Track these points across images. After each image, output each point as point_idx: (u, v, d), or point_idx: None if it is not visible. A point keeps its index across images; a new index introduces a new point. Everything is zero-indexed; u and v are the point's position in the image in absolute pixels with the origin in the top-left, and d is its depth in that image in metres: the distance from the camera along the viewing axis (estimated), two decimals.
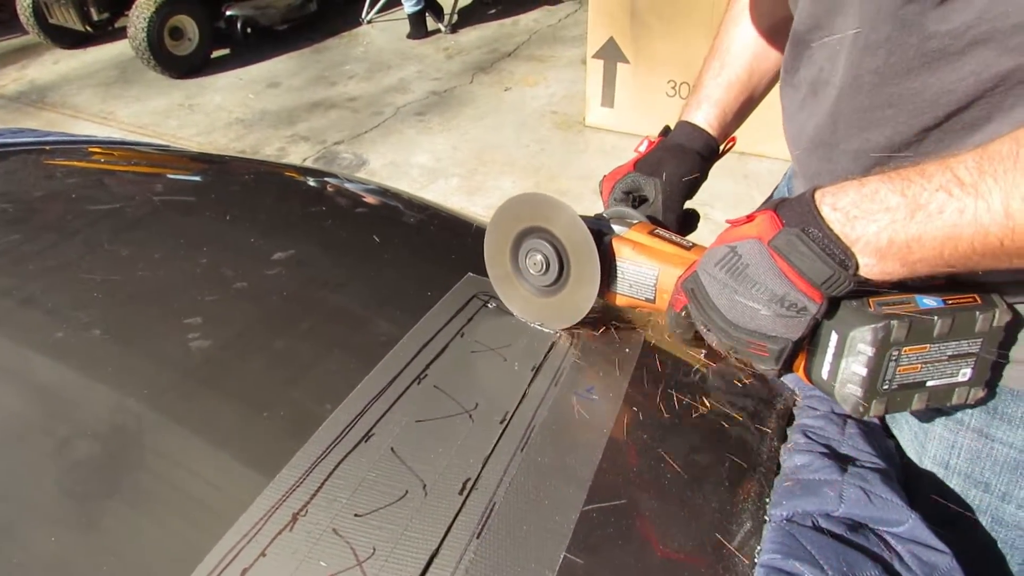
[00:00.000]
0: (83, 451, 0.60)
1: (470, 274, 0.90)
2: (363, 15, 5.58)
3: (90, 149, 1.33)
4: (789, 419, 0.78)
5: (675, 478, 0.65)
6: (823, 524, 0.62)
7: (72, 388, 0.68)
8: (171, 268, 0.85)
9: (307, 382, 0.69)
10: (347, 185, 1.32)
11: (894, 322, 0.58)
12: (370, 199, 1.24)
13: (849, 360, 0.60)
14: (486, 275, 0.84)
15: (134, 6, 4.52)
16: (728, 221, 0.66)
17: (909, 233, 0.54)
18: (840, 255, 0.56)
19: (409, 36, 5.28)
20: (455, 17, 5.44)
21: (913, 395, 0.62)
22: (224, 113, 4.39)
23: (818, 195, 0.58)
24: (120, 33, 5.08)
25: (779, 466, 0.70)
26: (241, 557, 0.51)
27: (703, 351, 0.81)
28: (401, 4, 5.26)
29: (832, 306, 0.60)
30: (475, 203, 3.37)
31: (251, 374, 0.70)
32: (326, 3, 5.43)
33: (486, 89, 4.55)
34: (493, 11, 5.69)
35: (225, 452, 0.62)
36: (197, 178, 1.20)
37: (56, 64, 5.15)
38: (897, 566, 0.61)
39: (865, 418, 0.65)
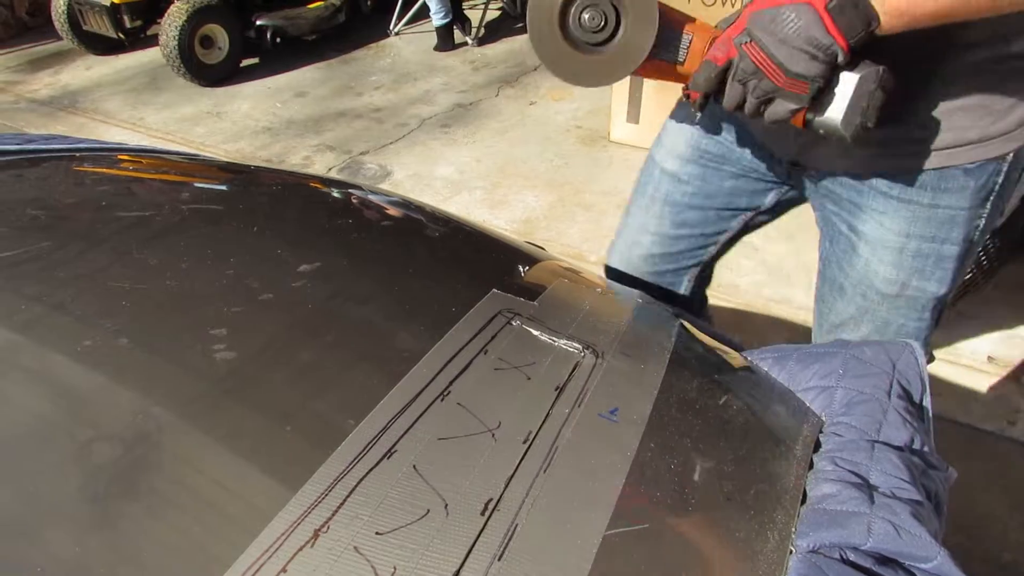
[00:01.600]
0: (106, 456, 0.60)
1: (495, 291, 0.90)
2: (391, 27, 5.62)
3: (119, 157, 1.35)
4: (816, 446, 0.77)
5: (699, 504, 0.64)
6: (851, 557, 0.61)
7: (98, 394, 0.68)
8: (198, 278, 0.85)
9: (330, 396, 0.69)
10: (372, 197, 1.32)
11: (881, 68, 0.81)
12: (395, 212, 1.24)
13: (859, 94, 0.81)
14: (511, 292, 0.83)
15: (166, 15, 4.58)
16: None
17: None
18: (870, 17, 0.77)
19: (436, 48, 5.31)
20: (482, 31, 5.47)
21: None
22: (251, 121, 4.43)
23: None
24: (152, 41, 5.16)
25: (805, 495, 0.69)
26: (262, 573, 0.51)
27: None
28: (429, 17, 5.29)
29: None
30: (497, 216, 3.37)
31: (275, 386, 0.70)
32: (355, 14, 5.48)
33: (511, 103, 4.56)
34: (520, 25, 5.71)
35: (247, 464, 0.62)
36: (224, 187, 1.21)
37: (88, 70, 5.23)
38: None
39: (858, 138, 0.85)
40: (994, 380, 2.36)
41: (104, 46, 5.34)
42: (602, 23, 0.84)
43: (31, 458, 0.60)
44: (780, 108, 0.84)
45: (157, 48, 4.76)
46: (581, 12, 0.84)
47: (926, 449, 0.81)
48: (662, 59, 0.88)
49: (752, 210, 1.28)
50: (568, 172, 3.74)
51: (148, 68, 5.18)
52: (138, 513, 0.56)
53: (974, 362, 2.41)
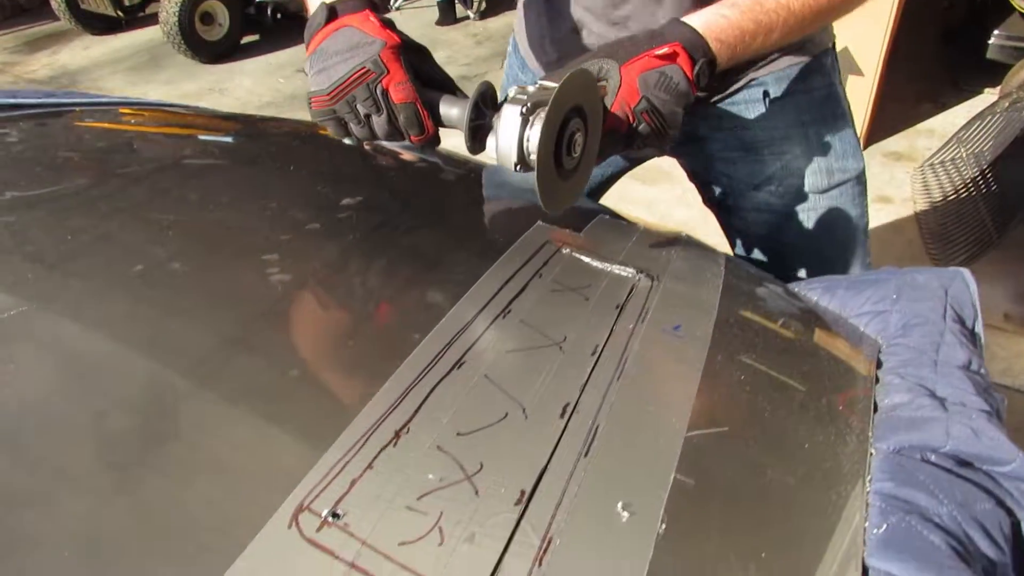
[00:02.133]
0: (186, 362, 0.59)
1: (540, 223, 0.89)
2: (392, 2, 5.57)
3: (141, 111, 1.33)
4: (878, 364, 0.76)
5: (773, 409, 0.63)
6: (932, 459, 0.60)
7: (162, 313, 0.67)
8: (241, 211, 0.84)
9: (390, 315, 0.68)
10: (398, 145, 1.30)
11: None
12: (430, 156, 1.23)
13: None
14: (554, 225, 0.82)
15: None
16: (648, 54, 0.82)
17: (751, 46, 0.87)
18: (714, 69, 0.84)
19: (438, 23, 5.27)
20: (483, 4, 5.42)
21: None
22: (255, 97, 4.40)
23: (704, 32, 0.83)
24: (149, 20, 5.12)
25: (876, 406, 0.68)
26: (348, 470, 0.50)
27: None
28: None
29: None
30: None
31: (331, 306, 0.69)
32: None
33: None
34: None
35: (317, 375, 0.61)
36: (252, 133, 1.19)
37: (87, 50, 5.18)
38: (1009, 502, 0.59)
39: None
40: (1011, 337, 2.36)
41: (102, 26, 5.29)
42: (582, 145, 0.77)
43: (113, 368, 0.58)
44: (664, 137, 0.84)
45: (155, 27, 4.73)
46: (572, 137, 0.75)
47: (983, 371, 0.81)
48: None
49: (629, 166, 1.41)
50: None
51: (147, 47, 5.14)
52: (222, 412, 0.55)
53: (991, 319, 2.40)
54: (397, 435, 0.54)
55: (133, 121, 1.24)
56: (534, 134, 0.74)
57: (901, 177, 3.31)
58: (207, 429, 0.53)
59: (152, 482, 0.48)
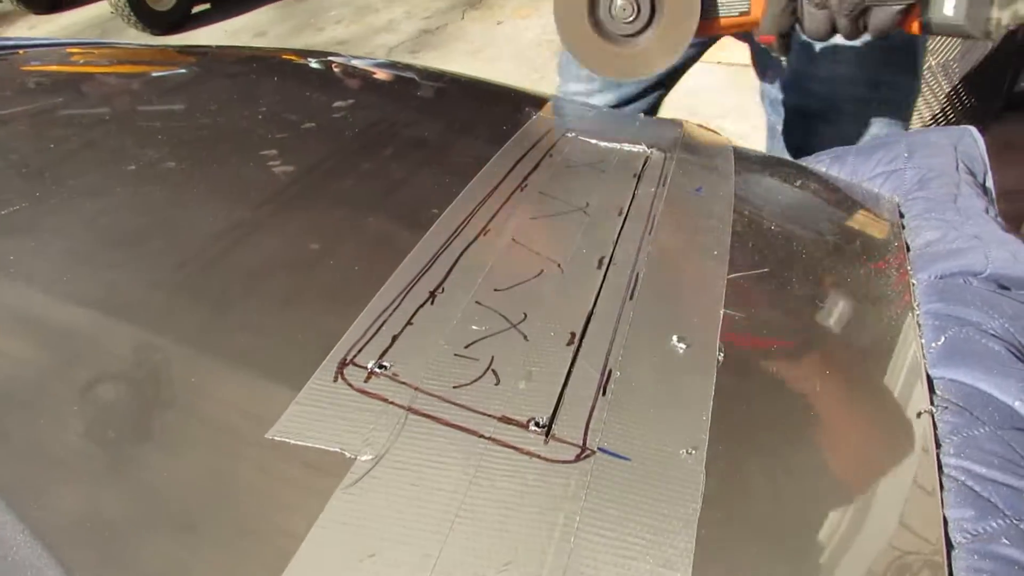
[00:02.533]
0: (205, 241, 0.56)
1: (538, 115, 0.86)
2: None
3: (108, 48, 1.27)
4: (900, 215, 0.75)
5: (809, 253, 0.61)
6: (974, 282, 0.59)
7: (183, 201, 0.63)
8: (231, 116, 0.80)
9: (406, 193, 0.65)
10: (381, 63, 1.26)
11: None
12: (411, 72, 1.19)
13: None
14: (554, 116, 0.80)
15: None
16: None
17: None
18: None
19: None
20: None
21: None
22: None
23: None
24: None
25: (908, 247, 0.67)
26: (388, 327, 0.48)
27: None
28: None
29: None
30: None
31: (346, 190, 0.66)
32: None
33: (478, 24, 4.44)
34: None
35: (342, 248, 0.58)
36: (230, 56, 1.14)
37: (32, 30, 5.00)
38: None
39: (991, 35, 0.67)
40: None
41: (45, 4, 5.10)
42: (634, 14, 0.73)
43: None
44: (884, 15, 0.70)
45: (102, 2, 4.56)
46: (612, 1, 0.73)
47: (999, 220, 0.80)
48: (721, 16, 0.75)
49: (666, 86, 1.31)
50: (547, 85, 3.66)
51: (96, 22, 4.97)
52: (266, 269, 0.52)
53: None
54: (432, 295, 0.51)
55: (83, 61, 1.18)
56: None
57: None
58: (239, 303, 0.50)
59: (186, 354, 0.46)
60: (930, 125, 3.05)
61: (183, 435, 0.41)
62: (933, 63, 3.28)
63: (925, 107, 3.14)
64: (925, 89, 3.22)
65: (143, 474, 0.38)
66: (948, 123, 2.92)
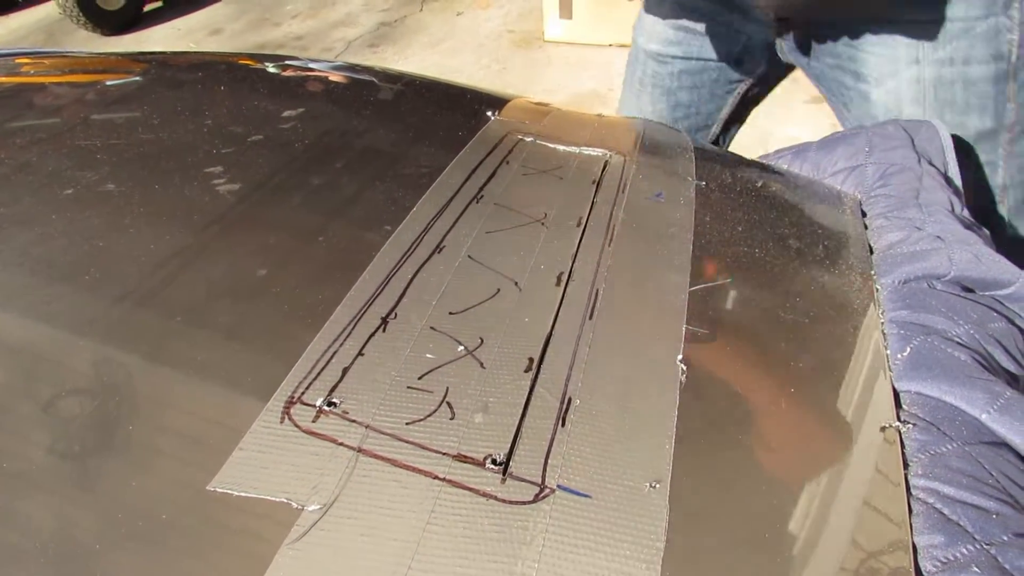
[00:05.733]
0: (143, 277, 0.53)
1: (497, 116, 0.84)
2: None
3: (43, 59, 1.22)
4: (862, 214, 0.74)
5: (773, 260, 0.60)
6: (937, 287, 0.58)
7: (117, 228, 0.60)
8: (173, 131, 0.77)
9: (357, 210, 0.63)
10: (332, 65, 1.23)
11: None
12: (362, 73, 1.16)
13: None
14: (512, 118, 0.78)
15: None
16: None
17: None
18: None
19: None
20: None
21: None
22: None
23: None
24: None
25: (871, 248, 0.66)
26: (337, 359, 0.45)
27: None
28: None
29: None
30: None
31: (293, 208, 0.64)
32: None
33: (437, 16, 4.39)
34: None
35: (289, 273, 0.55)
36: (175, 64, 1.10)
37: None
38: (1018, 322, 0.58)
39: None
40: None
41: None
42: None
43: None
44: None
45: (49, 3, 4.43)
46: None
47: (965, 213, 0.79)
48: None
49: (743, 81, 1.19)
50: (508, 76, 3.64)
51: (44, 24, 4.83)
52: (205, 301, 0.49)
53: None
54: (384, 321, 0.49)
55: (33, 72, 1.14)
56: None
57: None
58: (175, 338, 0.48)
59: (119, 396, 0.43)
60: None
61: (115, 488, 0.38)
62: None
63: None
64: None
65: (68, 532, 0.36)
66: None
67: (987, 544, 0.36)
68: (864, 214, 0.75)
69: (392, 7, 4.55)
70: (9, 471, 0.38)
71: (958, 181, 0.86)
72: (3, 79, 1.00)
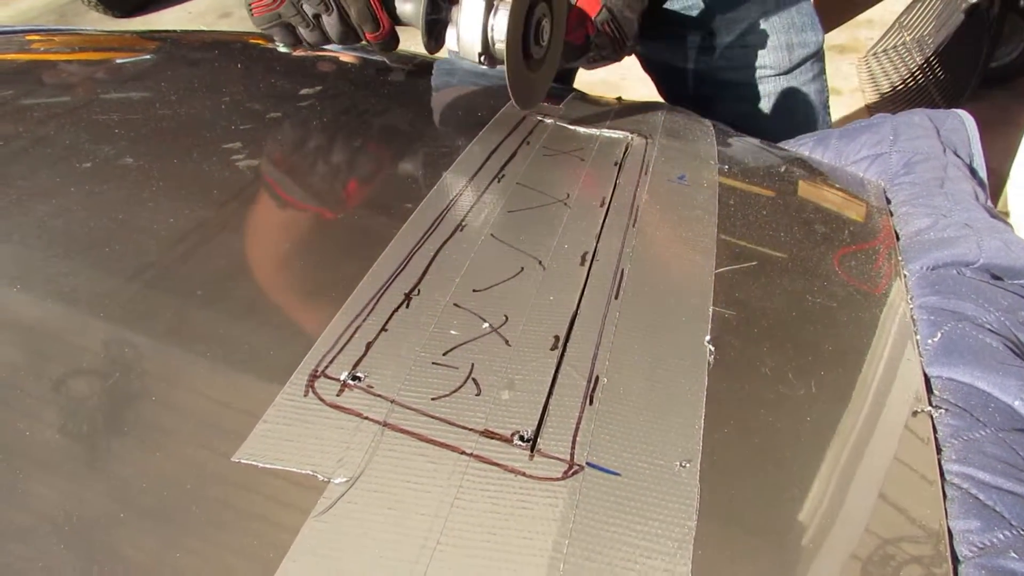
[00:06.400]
0: (176, 233, 0.53)
1: (512, 102, 0.83)
2: None
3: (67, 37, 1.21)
4: (887, 201, 0.73)
5: (797, 244, 0.59)
6: (967, 273, 0.57)
7: (139, 202, 0.59)
8: (192, 107, 0.76)
9: (378, 187, 0.63)
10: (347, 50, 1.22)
11: None
12: (374, 58, 1.15)
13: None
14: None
15: None
16: None
17: None
18: None
19: None
20: None
21: None
22: None
23: None
24: None
25: (897, 235, 0.65)
26: (361, 334, 0.45)
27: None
28: None
29: None
30: None
31: (314, 185, 0.63)
32: None
33: None
34: None
35: (310, 250, 0.55)
36: (192, 41, 1.09)
37: None
38: None
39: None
40: None
41: None
42: (548, 33, 0.72)
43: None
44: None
45: None
46: (539, 24, 0.70)
47: (989, 204, 0.78)
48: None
49: None
50: None
51: (54, 6, 4.81)
52: (226, 275, 0.49)
53: None
54: (407, 297, 0.48)
55: (50, 48, 1.13)
56: (499, 22, 0.68)
57: (847, 69, 3.30)
58: (198, 311, 0.47)
59: (142, 369, 0.43)
60: (899, 86, 3.05)
61: (140, 459, 0.38)
62: (908, 38, 3.28)
63: (900, 81, 3.14)
64: (899, 63, 3.22)
65: (93, 505, 0.35)
66: (924, 97, 2.93)
67: (1023, 530, 0.35)
68: (889, 200, 0.74)
69: None
70: (37, 441, 0.38)
71: (983, 173, 0.85)
72: (20, 55, 1.00)
